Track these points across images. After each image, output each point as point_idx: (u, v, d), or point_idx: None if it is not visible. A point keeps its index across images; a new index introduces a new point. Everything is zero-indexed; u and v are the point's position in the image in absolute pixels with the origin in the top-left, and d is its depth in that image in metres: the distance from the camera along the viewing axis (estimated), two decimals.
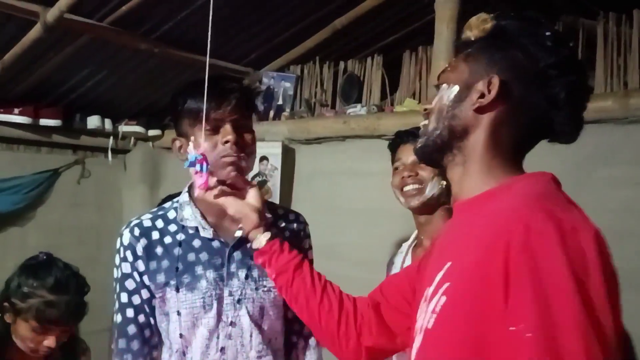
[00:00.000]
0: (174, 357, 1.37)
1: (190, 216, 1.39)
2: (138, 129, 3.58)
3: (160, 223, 1.42)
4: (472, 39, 1.02)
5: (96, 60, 2.93)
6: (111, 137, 3.56)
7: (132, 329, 1.38)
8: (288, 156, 3.11)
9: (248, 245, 1.34)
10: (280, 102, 3.30)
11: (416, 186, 1.72)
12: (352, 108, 2.94)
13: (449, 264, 0.95)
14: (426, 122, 1.06)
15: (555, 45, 0.97)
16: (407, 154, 1.75)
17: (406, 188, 1.74)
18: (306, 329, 1.47)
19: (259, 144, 3.26)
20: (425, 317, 0.95)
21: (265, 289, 1.39)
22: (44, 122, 3.15)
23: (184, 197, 1.43)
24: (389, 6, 2.88)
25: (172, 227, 1.41)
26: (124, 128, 3.57)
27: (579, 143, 2.22)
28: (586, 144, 2.25)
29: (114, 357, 1.40)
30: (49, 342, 1.66)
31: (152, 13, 2.72)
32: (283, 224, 1.50)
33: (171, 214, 1.43)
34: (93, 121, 3.39)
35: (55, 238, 3.37)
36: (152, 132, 3.64)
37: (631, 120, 2.12)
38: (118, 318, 1.39)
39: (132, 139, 3.68)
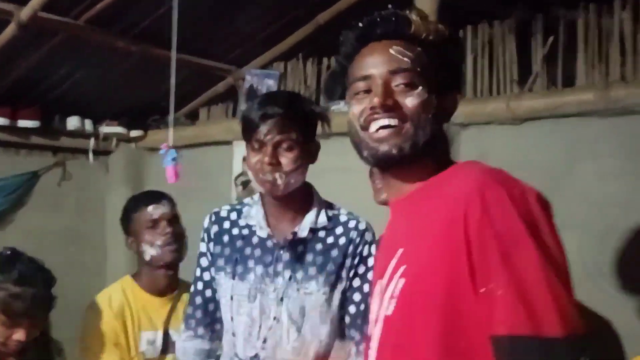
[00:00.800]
0: (227, 336, 1.55)
1: (255, 215, 1.53)
2: (120, 129, 3.53)
3: (233, 215, 1.59)
4: (424, 37, 1.03)
5: (72, 59, 2.89)
6: (92, 138, 3.50)
7: (198, 300, 1.60)
8: None
9: (298, 248, 1.48)
10: None
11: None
12: (335, 105, 2.91)
13: (400, 250, 1.00)
14: (388, 122, 1.01)
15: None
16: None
17: None
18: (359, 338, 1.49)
19: (242, 143, 3.26)
20: (382, 305, 0.99)
21: (307, 291, 1.47)
22: (22, 123, 3.10)
23: (256, 196, 1.57)
24: (371, 1, 2.86)
25: (241, 222, 1.57)
26: (105, 129, 3.51)
27: (561, 136, 2.24)
28: (568, 137, 2.27)
29: (183, 319, 1.67)
30: (19, 335, 1.67)
31: (128, 10, 2.68)
32: (330, 235, 1.52)
33: (245, 210, 1.57)
34: (73, 122, 3.34)
35: (36, 242, 3.27)
36: (134, 133, 3.59)
37: (613, 113, 2.10)
38: (192, 288, 1.63)
39: (114, 140, 3.63)
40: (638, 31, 2.17)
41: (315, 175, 1.60)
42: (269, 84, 3.28)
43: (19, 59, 2.73)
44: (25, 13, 2.34)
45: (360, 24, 1.08)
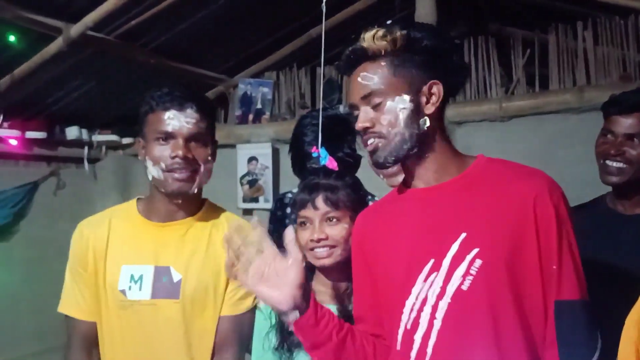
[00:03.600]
0: None
1: None
2: (113, 137, 3.66)
3: None
4: (383, 52, 1.15)
5: (90, 72, 3.01)
6: (86, 147, 3.60)
7: None
8: (275, 156, 3.40)
9: None
10: (259, 106, 3.57)
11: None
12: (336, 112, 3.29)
13: (464, 234, 1.12)
14: (373, 140, 1.18)
15: (451, 39, 1.24)
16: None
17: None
18: None
19: (247, 146, 3.52)
20: (451, 282, 1.11)
21: None
22: (30, 134, 3.16)
23: None
24: (363, 17, 3.27)
25: None
26: (98, 137, 3.63)
27: (544, 130, 2.79)
28: (549, 130, 2.84)
29: None
30: None
31: (151, 27, 2.87)
32: None
33: None
34: (73, 132, 3.44)
35: (38, 251, 3.36)
36: (125, 140, 3.73)
37: (584, 110, 2.69)
38: None
39: (104, 147, 3.74)
40: (597, 46, 2.78)
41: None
42: (264, 91, 3.59)
43: (43, 73, 2.82)
44: (75, 30, 2.48)
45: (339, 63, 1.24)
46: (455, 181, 1.19)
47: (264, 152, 3.37)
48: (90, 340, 1.55)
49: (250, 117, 3.57)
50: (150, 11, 2.66)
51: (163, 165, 1.46)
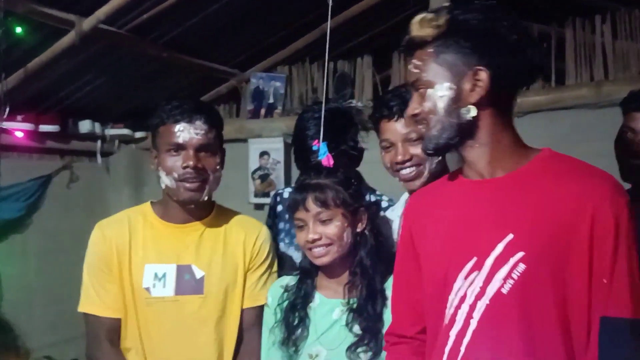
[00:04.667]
0: None
1: None
2: (126, 131, 3.66)
3: None
4: (429, 39, 1.10)
5: (103, 66, 3.01)
6: (99, 141, 3.61)
7: None
8: (286, 150, 3.38)
9: None
10: (271, 100, 3.55)
11: (413, 169, 1.53)
12: (347, 105, 3.26)
13: (510, 235, 1.07)
14: (422, 126, 1.16)
15: (513, 22, 1.11)
16: (394, 132, 1.54)
17: (403, 172, 1.54)
18: None
19: (258, 140, 3.50)
20: (492, 283, 1.07)
21: None
22: (43, 128, 3.17)
23: None
24: (377, 11, 3.24)
25: None
26: (111, 131, 3.64)
27: (560, 125, 2.75)
28: (565, 126, 2.79)
29: None
30: None
31: (162, 21, 2.86)
32: None
33: None
34: (85, 125, 3.44)
35: (52, 243, 3.39)
36: (138, 134, 3.73)
37: (601, 105, 2.64)
38: None
39: (117, 141, 3.75)
40: (615, 40, 2.72)
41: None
42: (276, 86, 3.57)
43: (57, 67, 2.82)
44: (87, 24, 2.48)
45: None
46: (509, 176, 1.12)
47: (275, 146, 3.36)
48: (113, 336, 1.62)
49: (262, 111, 3.55)
50: (162, 5, 2.64)
51: (175, 175, 1.56)
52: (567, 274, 1.04)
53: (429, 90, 1.11)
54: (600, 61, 2.75)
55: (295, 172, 3.45)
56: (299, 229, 1.48)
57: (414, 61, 1.14)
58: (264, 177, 3.40)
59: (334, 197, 1.44)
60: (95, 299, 1.61)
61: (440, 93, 1.10)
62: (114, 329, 1.61)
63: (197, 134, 1.56)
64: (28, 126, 3.08)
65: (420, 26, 1.11)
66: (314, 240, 1.44)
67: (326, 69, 1.67)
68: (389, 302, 1.44)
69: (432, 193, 1.30)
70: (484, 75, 1.08)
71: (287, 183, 3.36)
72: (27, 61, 2.68)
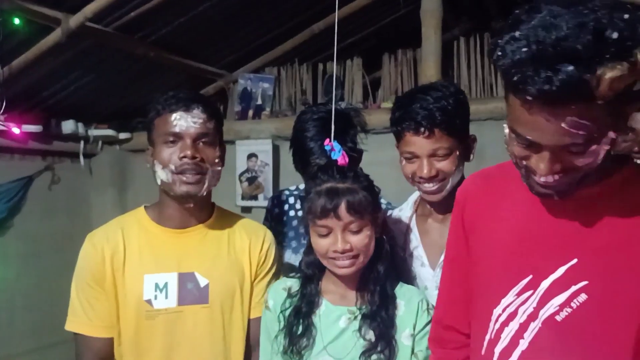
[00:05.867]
0: None
1: None
2: (110, 132, 3.60)
3: (291, 199, 1.96)
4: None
5: (88, 65, 2.95)
6: (82, 141, 3.54)
7: None
8: (275, 152, 3.34)
9: None
10: (259, 102, 3.51)
11: (437, 184, 1.49)
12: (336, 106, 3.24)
13: (574, 260, 0.98)
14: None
15: None
16: (421, 147, 1.47)
17: (425, 186, 1.50)
18: None
19: (246, 142, 3.49)
20: (545, 308, 0.99)
21: None
22: (26, 128, 3.09)
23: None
24: (368, 12, 3.23)
25: (297, 206, 1.92)
26: (94, 132, 3.57)
27: None
28: None
29: None
30: None
31: (150, 20, 2.81)
32: None
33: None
34: (68, 126, 3.36)
35: (33, 246, 3.32)
36: (122, 135, 3.67)
37: None
38: None
39: (100, 142, 3.67)
40: None
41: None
42: (265, 87, 3.54)
43: (41, 65, 2.75)
44: (74, 21, 2.42)
45: None
46: (586, 193, 0.98)
47: (264, 148, 3.31)
48: (104, 356, 1.49)
49: (250, 113, 3.51)
50: (150, 3, 2.59)
51: (172, 167, 1.44)
52: (631, 312, 0.95)
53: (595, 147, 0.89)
54: None
55: (284, 175, 3.43)
56: (322, 237, 1.36)
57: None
58: (252, 180, 3.35)
59: (367, 205, 1.34)
60: (82, 317, 1.48)
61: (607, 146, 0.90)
62: (104, 349, 1.49)
63: (194, 122, 1.44)
64: (10, 126, 2.99)
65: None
66: (344, 251, 1.33)
67: (334, 60, 1.62)
68: (400, 303, 1.40)
69: (496, 184, 1.16)
70: None
71: (276, 186, 3.32)
72: (11, 59, 2.61)
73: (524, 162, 0.96)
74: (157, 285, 1.47)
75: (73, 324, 1.50)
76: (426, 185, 1.49)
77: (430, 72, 2.79)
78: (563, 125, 0.84)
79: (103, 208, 3.67)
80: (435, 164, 1.47)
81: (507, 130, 0.97)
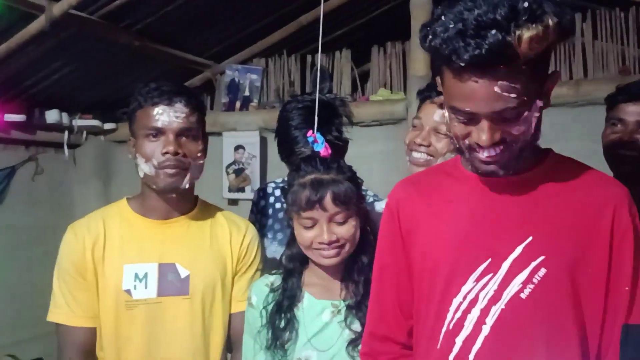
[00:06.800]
0: None
1: None
2: (95, 122, 3.53)
3: (277, 192, 1.92)
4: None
5: (72, 53, 2.89)
6: (66, 132, 3.48)
7: None
8: (262, 144, 3.31)
9: None
10: (247, 93, 3.47)
11: (425, 156, 1.55)
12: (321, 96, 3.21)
13: (530, 238, 1.04)
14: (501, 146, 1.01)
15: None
16: (428, 114, 1.56)
17: (414, 154, 1.56)
18: None
19: (233, 133, 3.46)
20: (509, 287, 1.03)
21: None
22: (9, 117, 3.03)
23: None
24: (357, 4, 3.20)
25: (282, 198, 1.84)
26: (79, 122, 3.50)
27: None
28: (544, 124, 2.75)
29: None
30: None
31: (136, 8, 2.76)
32: None
33: None
34: (52, 115, 3.29)
35: (16, 238, 3.26)
36: (107, 126, 3.61)
37: (580, 104, 2.65)
38: None
39: (85, 132, 3.61)
40: (595, 40, 2.73)
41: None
42: (252, 79, 3.50)
43: (22, 54, 2.69)
44: (57, 8, 2.36)
45: None
46: (526, 176, 1.07)
47: (251, 140, 3.28)
48: (86, 347, 1.49)
49: (238, 104, 3.47)
50: None
51: (155, 162, 1.45)
52: (585, 279, 1.02)
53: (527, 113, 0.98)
54: (580, 60, 2.75)
55: (271, 167, 3.40)
56: (306, 229, 1.36)
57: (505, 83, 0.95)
58: (239, 172, 3.32)
59: (352, 196, 1.34)
60: (64, 308, 1.49)
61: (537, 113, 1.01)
62: (86, 339, 1.49)
63: (177, 117, 1.45)
64: None
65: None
66: (330, 242, 1.34)
67: (319, 51, 1.59)
68: None
69: (426, 184, 1.22)
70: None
71: (263, 178, 3.30)
72: None
73: (467, 142, 1.03)
74: (136, 275, 1.48)
75: (55, 315, 1.51)
76: (415, 154, 1.56)
77: (419, 65, 2.77)
78: (496, 89, 0.94)
79: (87, 199, 3.61)
80: (434, 138, 1.54)
81: (446, 113, 1.06)
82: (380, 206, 1.70)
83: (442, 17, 0.95)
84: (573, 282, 1.02)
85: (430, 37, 0.97)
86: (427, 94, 1.59)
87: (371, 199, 1.77)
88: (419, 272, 1.16)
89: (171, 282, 1.49)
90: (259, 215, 1.90)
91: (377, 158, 2.87)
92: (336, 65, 3.36)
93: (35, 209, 3.40)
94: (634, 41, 2.69)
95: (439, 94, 1.47)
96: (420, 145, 1.53)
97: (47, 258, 1.62)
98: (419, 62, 2.77)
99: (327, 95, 1.82)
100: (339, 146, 1.70)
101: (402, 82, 3.18)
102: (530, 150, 1.06)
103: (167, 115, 1.44)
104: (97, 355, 1.52)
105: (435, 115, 1.53)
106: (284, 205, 1.66)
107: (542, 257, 1.03)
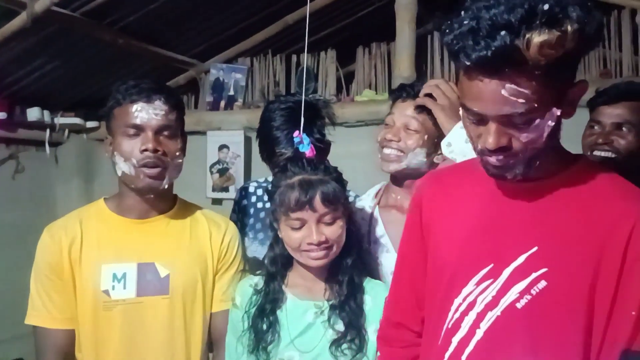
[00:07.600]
0: None
1: None
2: (76, 120, 3.50)
3: (260, 191, 1.95)
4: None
5: (54, 50, 2.85)
6: (48, 129, 3.44)
7: None
8: (247, 144, 3.30)
9: None
10: (231, 92, 3.46)
11: (395, 152, 1.58)
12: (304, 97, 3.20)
13: (535, 248, 1.00)
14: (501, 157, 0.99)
15: None
16: (400, 112, 1.60)
17: (385, 151, 1.60)
18: None
19: (217, 133, 3.44)
20: (506, 295, 1.01)
21: None
22: None
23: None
24: (342, 5, 3.19)
25: (265, 197, 1.89)
26: (61, 120, 3.47)
27: None
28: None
29: None
30: None
31: (119, 5, 2.74)
32: None
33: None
34: (34, 113, 3.26)
35: None
36: (90, 124, 3.58)
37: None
38: None
39: (67, 131, 3.58)
40: None
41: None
42: (237, 78, 3.48)
43: (4, 50, 2.66)
44: (39, 5, 2.34)
45: None
46: (543, 183, 1.03)
47: (235, 139, 3.27)
48: (64, 349, 1.47)
49: (222, 103, 3.46)
50: None
51: (134, 160, 1.42)
52: (588, 297, 0.97)
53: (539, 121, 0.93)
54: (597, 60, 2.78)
55: (255, 166, 3.39)
56: (295, 230, 1.35)
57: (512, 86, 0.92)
58: (223, 171, 3.31)
59: (340, 196, 1.34)
60: (42, 310, 1.47)
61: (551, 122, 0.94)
62: (64, 341, 1.47)
63: (156, 114, 1.42)
64: None
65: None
66: (319, 243, 1.33)
67: (306, 51, 1.59)
68: (367, 298, 1.40)
69: (449, 181, 1.20)
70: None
71: (247, 177, 3.28)
72: None
73: (479, 145, 1.00)
74: (115, 276, 1.46)
75: (32, 318, 1.49)
76: (386, 150, 1.59)
77: (404, 66, 2.78)
78: (503, 92, 0.91)
79: (68, 198, 3.57)
80: (405, 135, 1.57)
81: (462, 112, 1.02)
82: (360, 203, 1.73)
83: (463, 13, 0.92)
84: (574, 298, 0.97)
85: (446, 31, 0.95)
86: (399, 93, 1.63)
87: (352, 199, 1.77)
88: (430, 267, 1.17)
89: (150, 282, 1.47)
90: (241, 215, 1.89)
91: (362, 158, 2.85)
92: (321, 66, 3.36)
93: (15, 208, 3.35)
94: (615, 44, 2.72)
95: (409, 94, 1.59)
96: (391, 140, 1.57)
97: (28, 257, 1.59)
98: (404, 63, 2.79)
99: (311, 96, 1.82)
100: (321, 148, 1.70)
101: (386, 83, 3.19)
102: (547, 157, 0.99)
103: (146, 113, 1.42)
104: (75, 356, 1.50)
105: (407, 111, 1.57)
106: (266, 205, 1.67)
107: (544, 270, 0.99)
